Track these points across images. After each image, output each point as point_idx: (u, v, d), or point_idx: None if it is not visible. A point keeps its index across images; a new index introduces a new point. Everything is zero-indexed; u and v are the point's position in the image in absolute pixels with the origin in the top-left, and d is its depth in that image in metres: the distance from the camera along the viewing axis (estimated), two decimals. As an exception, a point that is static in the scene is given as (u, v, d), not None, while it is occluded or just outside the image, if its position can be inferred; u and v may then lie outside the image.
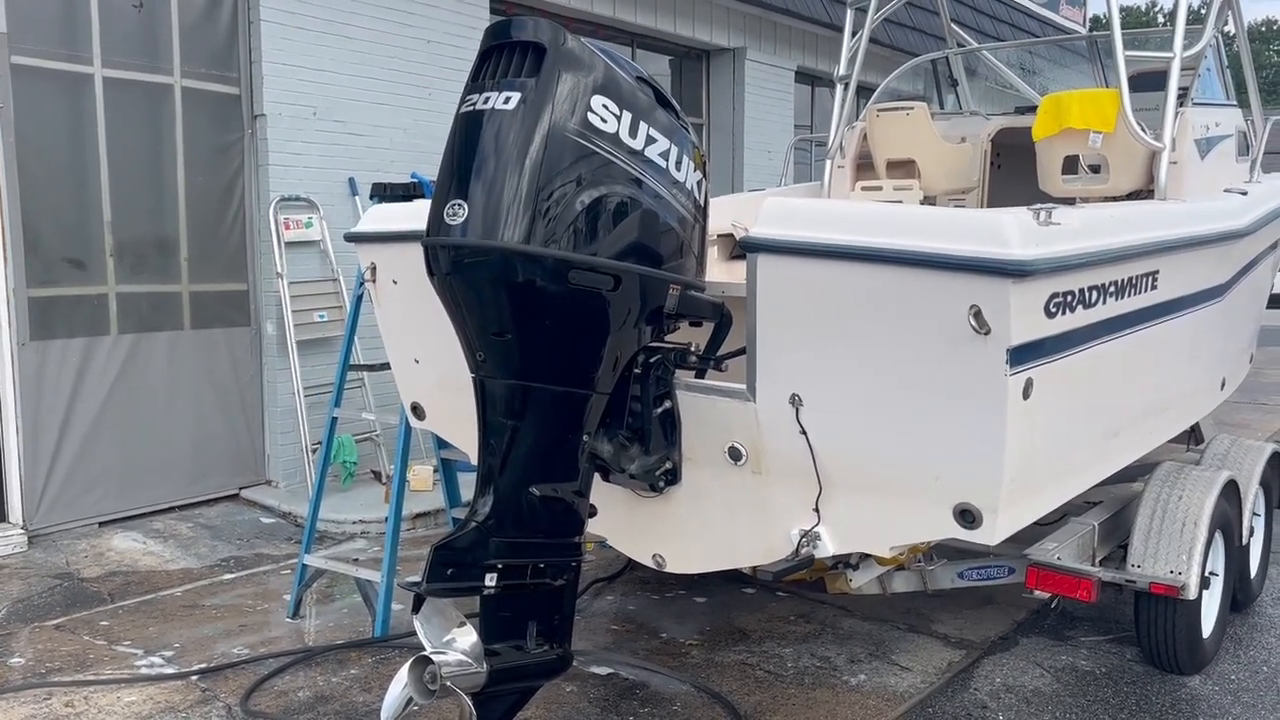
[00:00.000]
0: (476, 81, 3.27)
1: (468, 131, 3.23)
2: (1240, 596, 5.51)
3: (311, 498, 5.70)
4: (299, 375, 7.65)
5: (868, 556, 4.49)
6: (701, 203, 3.60)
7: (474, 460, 3.59)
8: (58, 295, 6.78)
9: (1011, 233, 3.11)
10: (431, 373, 4.47)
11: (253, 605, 5.73)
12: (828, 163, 6.73)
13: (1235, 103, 6.80)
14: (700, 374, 3.80)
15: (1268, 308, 7.20)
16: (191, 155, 7.35)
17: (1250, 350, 7.05)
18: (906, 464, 3.41)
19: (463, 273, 3.24)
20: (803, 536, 3.65)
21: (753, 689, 4.72)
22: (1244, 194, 5.74)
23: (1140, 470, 5.07)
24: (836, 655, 5.09)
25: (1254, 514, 5.48)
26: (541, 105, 3.15)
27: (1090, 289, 3.55)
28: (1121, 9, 5.54)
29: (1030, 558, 4.45)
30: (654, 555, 4.11)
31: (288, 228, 7.64)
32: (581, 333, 3.36)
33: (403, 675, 3.32)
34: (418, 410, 4.73)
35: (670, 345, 3.72)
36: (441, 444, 5.68)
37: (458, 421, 4.29)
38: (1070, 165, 5.59)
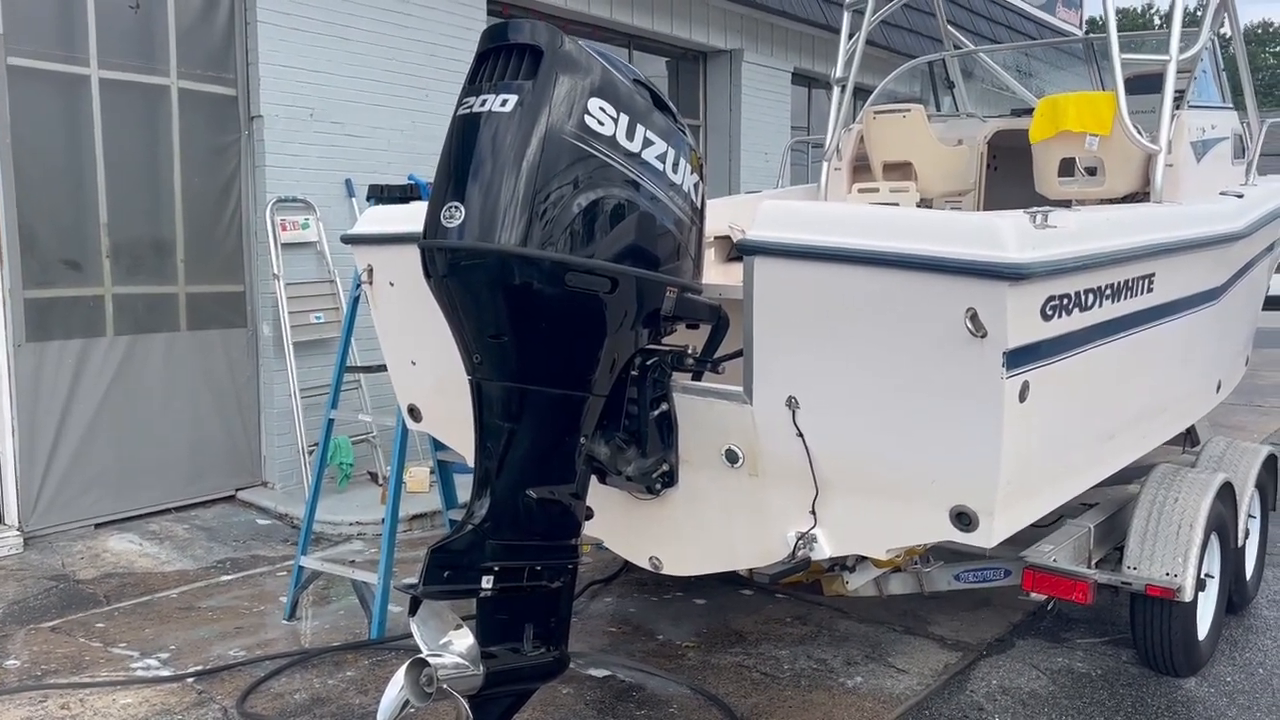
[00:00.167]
0: (473, 84, 3.27)
1: (465, 134, 3.22)
2: (1236, 599, 5.52)
3: (308, 499, 5.70)
4: (295, 377, 7.64)
5: (864, 558, 4.50)
6: (698, 205, 3.60)
7: (470, 462, 3.58)
8: (54, 296, 6.76)
9: (1008, 236, 3.11)
10: (428, 375, 4.46)
11: (249, 607, 5.73)
12: (824, 165, 6.72)
13: (1231, 105, 6.81)
14: (697, 376, 3.79)
15: (1264, 310, 7.21)
16: (188, 156, 7.33)
17: (1246, 353, 7.07)
18: (903, 466, 3.41)
19: (459, 275, 3.24)
20: (799, 539, 3.65)
21: (749, 691, 4.72)
22: (1240, 197, 5.75)
23: (1136, 472, 5.08)
24: (833, 657, 5.09)
25: (1249, 516, 5.48)
26: (538, 108, 3.15)
27: (1086, 292, 3.55)
28: (1118, 11, 5.55)
29: (1027, 560, 4.45)
30: (651, 557, 4.11)
31: (284, 229, 7.63)
32: (578, 335, 3.35)
33: (399, 678, 3.31)
34: (414, 412, 4.72)
35: (667, 348, 3.73)
36: (438, 446, 5.67)
37: (454, 423, 4.29)
38: (1067, 168, 5.59)
